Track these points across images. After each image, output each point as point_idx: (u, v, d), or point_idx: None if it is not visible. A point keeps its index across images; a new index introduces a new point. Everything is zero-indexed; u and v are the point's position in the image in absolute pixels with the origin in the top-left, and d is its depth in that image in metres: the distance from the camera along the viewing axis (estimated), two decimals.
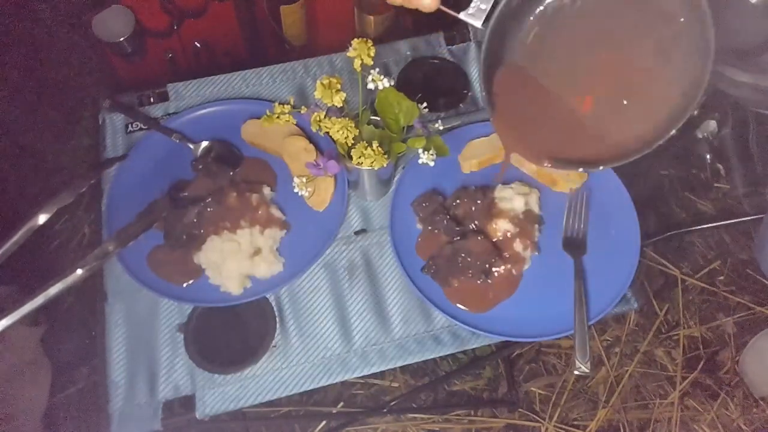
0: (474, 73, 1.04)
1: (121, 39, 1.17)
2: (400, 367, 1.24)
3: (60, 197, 0.78)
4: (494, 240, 0.85)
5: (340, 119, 0.76)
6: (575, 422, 1.31)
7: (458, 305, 0.82)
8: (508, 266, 0.83)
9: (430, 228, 0.87)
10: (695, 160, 1.53)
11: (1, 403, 0.95)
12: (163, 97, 1.01)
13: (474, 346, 0.83)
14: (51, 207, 0.77)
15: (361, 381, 1.32)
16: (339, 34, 1.38)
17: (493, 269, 0.83)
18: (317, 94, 0.74)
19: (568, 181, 0.90)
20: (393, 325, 0.83)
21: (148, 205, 0.87)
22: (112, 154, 0.96)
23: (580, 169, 0.69)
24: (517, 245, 0.84)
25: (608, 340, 1.40)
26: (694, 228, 1.48)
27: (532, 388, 1.34)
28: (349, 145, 0.78)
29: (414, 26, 1.42)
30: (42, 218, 0.77)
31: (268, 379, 0.80)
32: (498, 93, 0.64)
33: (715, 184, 1.54)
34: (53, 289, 0.68)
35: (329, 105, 0.75)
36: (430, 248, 0.86)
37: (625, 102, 0.61)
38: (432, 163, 0.79)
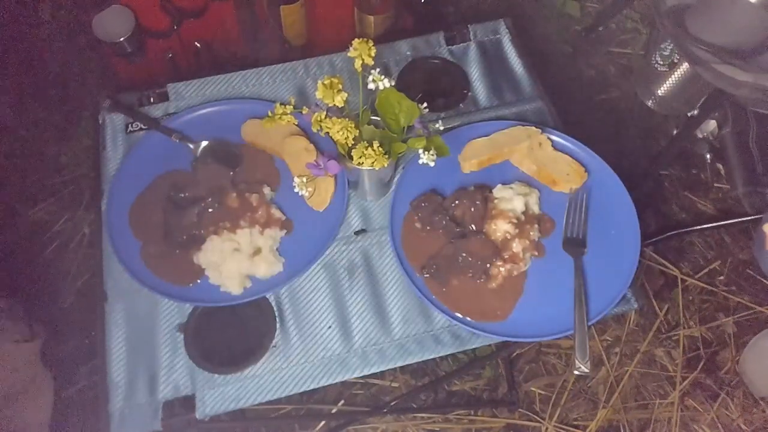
0: (474, 72, 1.04)
1: (121, 39, 1.17)
2: (400, 367, 1.24)
3: None
4: (494, 240, 0.85)
5: (340, 119, 0.76)
6: (575, 422, 1.31)
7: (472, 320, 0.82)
8: (508, 266, 0.83)
9: (429, 228, 0.87)
10: (695, 160, 1.52)
11: (3, 423, 0.94)
12: (163, 97, 1.01)
13: (474, 347, 0.83)
14: None
15: (361, 381, 1.32)
16: (339, 34, 1.38)
17: (493, 270, 0.83)
18: (319, 95, 0.74)
19: (568, 181, 0.90)
20: (393, 325, 0.83)
21: None
22: (112, 154, 0.96)
23: None
24: (517, 246, 0.84)
25: (608, 340, 1.39)
26: (694, 228, 1.48)
27: (532, 388, 1.34)
28: (350, 145, 0.78)
29: (414, 26, 1.42)
30: None
31: (268, 379, 0.80)
32: None
33: (715, 184, 1.54)
34: None
35: (330, 105, 0.75)
36: (429, 248, 0.86)
37: None
38: (432, 163, 0.79)
